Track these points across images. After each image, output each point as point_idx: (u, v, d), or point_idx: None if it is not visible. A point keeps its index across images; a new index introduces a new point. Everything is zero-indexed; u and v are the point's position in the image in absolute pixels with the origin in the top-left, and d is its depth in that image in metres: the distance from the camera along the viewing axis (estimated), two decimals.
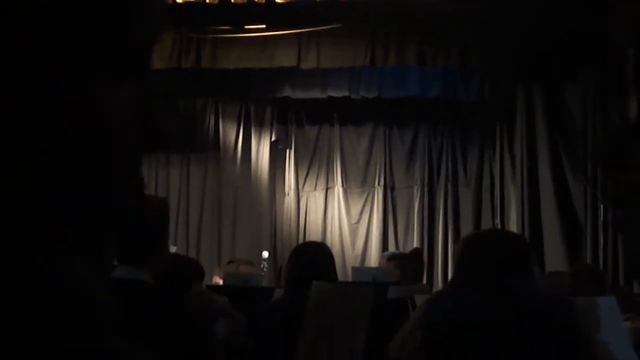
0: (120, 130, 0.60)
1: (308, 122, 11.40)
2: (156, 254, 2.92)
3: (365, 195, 11.09)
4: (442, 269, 10.29)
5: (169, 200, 3.27)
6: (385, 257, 7.86)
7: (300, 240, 10.48)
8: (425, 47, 8.83)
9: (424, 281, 7.16)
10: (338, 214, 11.10)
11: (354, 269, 7.35)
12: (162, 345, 2.66)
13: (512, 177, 9.69)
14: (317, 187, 11.25)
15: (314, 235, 10.82)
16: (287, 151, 11.37)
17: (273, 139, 11.34)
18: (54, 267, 0.59)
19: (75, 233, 0.61)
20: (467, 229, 10.34)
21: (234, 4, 8.29)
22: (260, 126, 11.36)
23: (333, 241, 10.78)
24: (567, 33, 8.46)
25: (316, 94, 10.39)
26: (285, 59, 9.08)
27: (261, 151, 11.34)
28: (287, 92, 10.46)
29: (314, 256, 4.08)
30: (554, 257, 8.51)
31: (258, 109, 11.40)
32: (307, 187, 11.29)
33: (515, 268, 2.96)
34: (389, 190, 11.04)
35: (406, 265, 6.81)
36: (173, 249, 8.95)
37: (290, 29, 8.90)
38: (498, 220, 9.84)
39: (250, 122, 11.43)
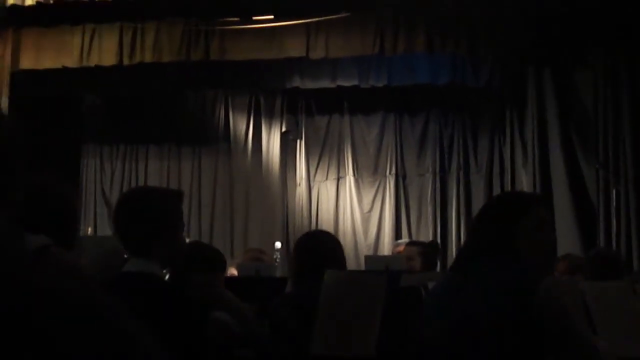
0: None
1: (318, 112, 11.41)
2: (164, 245, 2.92)
3: (376, 184, 11.09)
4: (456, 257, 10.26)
5: (182, 191, 3.24)
6: (402, 245, 7.90)
7: None
8: (434, 35, 8.81)
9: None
10: (350, 203, 11.11)
11: (367, 257, 7.35)
12: (165, 336, 2.68)
13: (524, 163, 9.67)
14: (329, 177, 11.26)
15: (326, 224, 10.83)
16: (298, 141, 11.39)
17: (283, 129, 11.36)
18: None
19: None
20: None
21: None
22: (270, 117, 11.39)
23: (345, 230, 10.80)
24: (576, 17, 8.43)
25: (325, 83, 10.38)
26: (294, 49, 9.08)
27: (272, 142, 11.36)
28: (297, 82, 10.45)
29: (320, 244, 4.08)
30: (567, 242, 8.49)
31: (268, 100, 11.43)
32: (318, 177, 11.31)
33: (488, 248, 2.86)
34: (401, 179, 11.05)
35: (428, 253, 6.88)
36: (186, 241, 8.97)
37: (299, 19, 8.89)
38: None
39: (260, 113, 11.46)
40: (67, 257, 1.31)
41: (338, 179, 11.22)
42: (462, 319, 2.71)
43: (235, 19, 9.04)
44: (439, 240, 10.30)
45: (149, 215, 2.93)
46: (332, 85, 10.38)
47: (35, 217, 2.31)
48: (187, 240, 9.06)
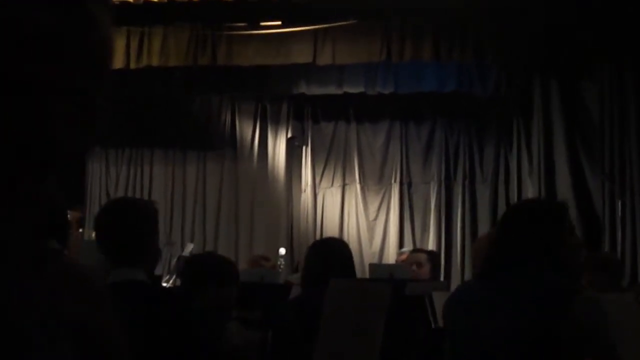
0: None
1: (324, 118, 11.39)
2: (149, 253, 2.99)
3: (382, 191, 11.07)
4: (460, 265, 10.26)
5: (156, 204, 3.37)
6: (405, 253, 7.91)
7: (318, 237, 10.48)
8: (440, 43, 8.81)
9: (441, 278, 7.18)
10: (355, 210, 11.09)
11: (371, 265, 7.34)
12: (159, 342, 2.69)
13: (529, 172, 9.65)
14: (334, 184, 11.25)
15: (331, 232, 10.81)
16: (304, 148, 11.37)
17: (289, 135, 11.34)
18: None
19: None
20: (484, 224, 10.32)
21: (250, 1, 8.32)
22: (277, 123, 11.38)
23: (350, 238, 10.77)
24: (583, 27, 8.43)
25: (332, 90, 10.37)
26: (301, 55, 9.08)
27: (277, 148, 11.35)
28: (303, 88, 10.45)
29: (337, 252, 4.08)
30: None
31: (274, 106, 11.42)
32: (323, 184, 11.29)
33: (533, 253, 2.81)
34: (406, 187, 11.02)
35: (437, 260, 6.91)
36: (190, 247, 8.98)
37: (306, 26, 8.90)
38: None
39: (266, 119, 11.44)
40: (77, 263, 1.30)
41: (344, 186, 11.20)
42: (496, 335, 2.68)
43: (243, 24, 9.05)
44: (443, 249, 10.30)
45: (133, 225, 2.98)
46: (339, 92, 10.38)
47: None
48: (191, 246, 9.08)
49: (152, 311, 2.77)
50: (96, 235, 3.10)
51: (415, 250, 7.73)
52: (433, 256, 7.11)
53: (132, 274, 2.90)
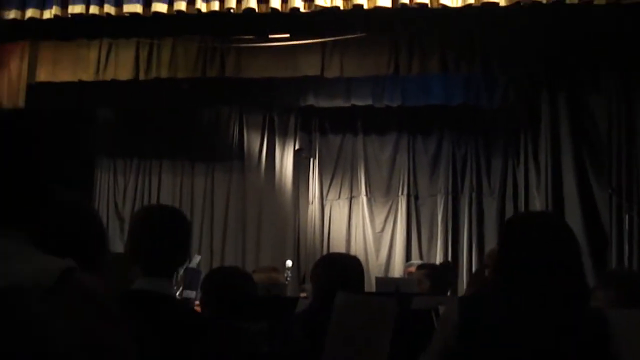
0: None
1: (332, 131, 11.41)
2: (179, 265, 2.97)
3: (389, 204, 11.07)
4: (467, 278, 10.24)
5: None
6: (414, 266, 7.89)
7: (325, 250, 10.52)
8: (448, 56, 8.82)
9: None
10: (362, 223, 11.08)
11: (378, 279, 7.35)
12: (176, 355, 2.68)
13: (537, 185, 9.65)
14: (341, 196, 11.25)
15: (337, 244, 10.82)
16: (311, 160, 11.39)
17: (297, 147, 11.36)
18: None
19: None
20: (491, 237, 10.30)
21: (258, 13, 8.33)
22: (284, 135, 11.40)
23: (357, 250, 10.76)
24: (591, 41, 8.43)
25: (340, 102, 10.39)
26: (309, 68, 9.09)
27: (285, 160, 11.37)
28: (311, 101, 10.46)
29: (349, 269, 4.08)
30: None
31: (282, 118, 11.45)
32: (331, 196, 11.30)
33: (566, 268, 2.77)
34: (413, 199, 11.01)
35: (437, 275, 6.85)
36: (197, 258, 8.99)
37: (314, 38, 8.92)
38: None
39: (274, 131, 11.47)
40: (89, 282, 1.31)
41: (351, 198, 11.21)
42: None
43: (251, 36, 9.07)
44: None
45: (172, 234, 2.93)
46: (347, 105, 10.39)
47: (61, 238, 2.27)
48: (199, 257, 9.09)
49: (160, 322, 2.76)
50: (131, 241, 3.01)
51: (419, 266, 7.70)
52: (432, 271, 7.06)
53: (155, 285, 2.85)
